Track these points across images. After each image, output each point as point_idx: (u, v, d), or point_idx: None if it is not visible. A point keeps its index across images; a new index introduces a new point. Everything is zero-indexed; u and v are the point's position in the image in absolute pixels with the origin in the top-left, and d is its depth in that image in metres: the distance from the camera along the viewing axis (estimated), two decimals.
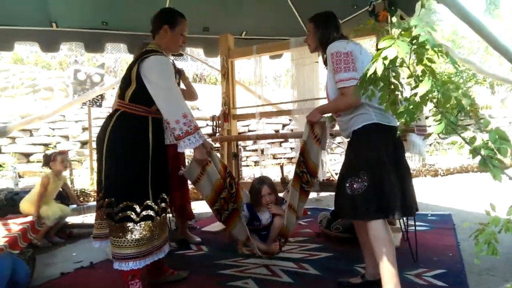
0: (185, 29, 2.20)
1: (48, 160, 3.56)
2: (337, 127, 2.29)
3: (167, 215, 2.23)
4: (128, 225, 1.92)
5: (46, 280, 2.45)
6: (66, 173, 4.23)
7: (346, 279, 2.17)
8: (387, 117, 1.91)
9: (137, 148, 2.00)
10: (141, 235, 1.93)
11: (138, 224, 1.93)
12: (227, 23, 4.07)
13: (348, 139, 2.08)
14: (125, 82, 2.06)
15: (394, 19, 2.85)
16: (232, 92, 3.71)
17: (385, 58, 1.31)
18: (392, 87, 1.61)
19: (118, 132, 2.02)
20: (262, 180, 2.65)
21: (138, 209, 1.94)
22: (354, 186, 1.87)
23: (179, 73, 3.14)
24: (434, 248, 2.73)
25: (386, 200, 1.82)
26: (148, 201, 1.98)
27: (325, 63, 2.13)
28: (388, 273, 1.81)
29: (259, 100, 3.86)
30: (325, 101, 3.64)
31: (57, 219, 3.39)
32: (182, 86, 3.20)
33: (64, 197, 4.08)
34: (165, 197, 2.12)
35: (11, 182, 4.04)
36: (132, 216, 1.92)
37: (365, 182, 1.84)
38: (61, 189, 4.10)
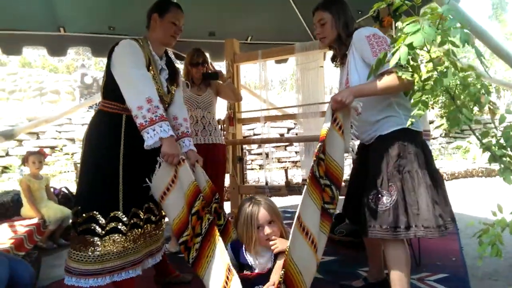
0: (177, 18, 1.95)
1: (23, 161, 3.54)
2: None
3: (158, 224, 2.00)
4: (89, 238, 1.69)
5: (52, 282, 2.48)
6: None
7: (348, 282, 2.17)
8: (417, 121, 1.69)
9: (106, 152, 1.77)
10: (105, 251, 1.69)
11: (102, 239, 1.69)
12: (232, 28, 4.11)
13: (368, 143, 1.86)
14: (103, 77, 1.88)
15: (399, 25, 2.87)
16: None
17: (410, 45, 1.21)
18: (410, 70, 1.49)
19: (90, 134, 1.85)
20: (257, 201, 1.66)
21: (103, 221, 1.70)
22: (383, 200, 1.66)
23: (216, 77, 2.99)
24: (437, 252, 2.73)
25: (418, 217, 1.61)
26: (117, 212, 1.72)
27: (333, 59, 2.01)
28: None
29: (264, 104, 3.88)
30: None
31: (58, 220, 3.40)
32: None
33: (70, 199, 4.13)
34: (152, 207, 1.89)
35: (17, 184, 4.10)
36: (95, 229, 1.69)
37: (394, 196, 1.64)
38: (66, 191, 4.15)
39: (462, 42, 1.16)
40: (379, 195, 1.67)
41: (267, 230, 1.60)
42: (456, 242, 3.00)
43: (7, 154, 7.86)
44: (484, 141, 1.20)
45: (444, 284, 2.15)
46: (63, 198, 4.00)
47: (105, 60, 2.00)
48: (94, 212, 1.70)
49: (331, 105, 1.69)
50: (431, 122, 9.18)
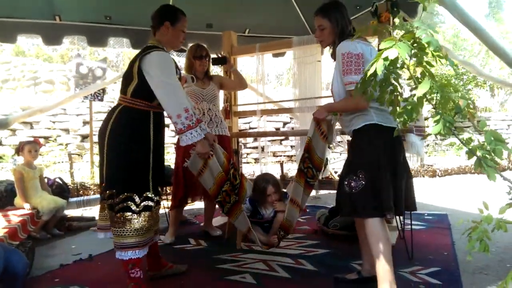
0: (185, 26, 2.23)
1: (17, 150, 3.53)
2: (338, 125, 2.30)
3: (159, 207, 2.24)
4: (128, 215, 1.96)
5: (46, 271, 2.48)
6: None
7: (342, 275, 2.20)
8: (388, 118, 1.92)
9: (139, 141, 2.04)
10: (140, 225, 1.97)
11: (138, 214, 1.97)
12: (230, 20, 4.09)
13: (349, 138, 2.12)
14: (127, 77, 2.09)
15: (397, 21, 2.88)
16: None
17: (385, 59, 1.33)
18: (392, 88, 1.64)
19: (120, 124, 2.04)
20: (267, 179, 2.65)
21: (138, 200, 1.98)
22: (352, 184, 1.91)
23: (224, 61, 3.14)
24: (430, 246, 2.76)
25: (381, 199, 1.85)
26: (148, 193, 2.02)
27: (333, 55, 2.11)
28: (383, 270, 1.83)
29: (261, 98, 3.89)
30: (327, 100, 3.68)
31: (52, 211, 3.38)
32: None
33: (64, 189, 4.12)
34: (159, 189, 2.16)
35: (11, 174, 4.07)
36: (132, 206, 1.96)
37: (362, 181, 1.88)
38: (60, 182, 4.13)
39: (434, 47, 1.29)
40: (350, 180, 1.92)
41: (273, 197, 2.60)
42: (448, 237, 3.04)
43: (0, 144, 7.80)
44: (469, 146, 1.27)
45: (435, 277, 2.18)
46: (57, 188, 3.98)
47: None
48: (131, 192, 1.98)
49: (313, 119, 2.19)
50: (426, 119, 9.23)
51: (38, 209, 3.31)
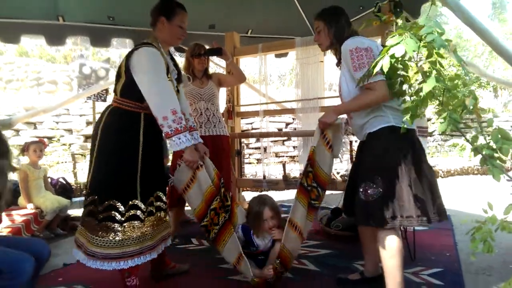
0: (184, 21, 2.07)
1: (22, 150, 3.54)
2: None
3: (167, 211, 2.16)
4: (110, 225, 1.84)
5: (49, 270, 2.49)
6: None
7: (344, 275, 2.20)
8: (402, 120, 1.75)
9: (127, 144, 1.91)
10: (125, 236, 1.84)
11: (122, 225, 1.84)
12: (233, 21, 4.10)
13: (361, 141, 1.99)
14: (117, 75, 2.00)
15: (400, 21, 2.88)
16: (237, 90, 3.74)
17: (392, 56, 1.30)
18: (401, 79, 1.61)
19: (109, 128, 1.95)
20: (263, 201, 2.21)
21: (122, 209, 1.85)
22: (369, 191, 1.77)
23: (219, 52, 2.93)
24: (432, 247, 2.76)
25: (402, 208, 1.71)
26: (135, 201, 1.88)
27: (340, 60, 2.06)
28: (394, 285, 1.75)
29: (263, 98, 3.89)
30: (330, 100, 3.67)
31: (55, 211, 3.39)
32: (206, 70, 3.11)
33: (67, 189, 4.14)
34: (160, 195, 2.05)
35: (14, 174, 4.08)
36: (116, 216, 1.84)
37: (380, 188, 1.75)
38: (63, 181, 4.15)
39: (438, 46, 1.25)
40: (367, 187, 1.79)
41: (270, 223, 2.16)
42: (450, 237, 3.03)
43: None
44: (476, 144, 1.26)
45: (438, 278, 2.18)
46: (60, 188, 4.00)
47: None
48: (114, 200, 1.85)
49: (319, 125, 2.00)
50: (429, 120, 9.22)
51: (42, 209, 3.32)
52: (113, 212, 1.84)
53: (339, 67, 2.09)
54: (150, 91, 1.86)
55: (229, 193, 2.23)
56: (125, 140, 1.91)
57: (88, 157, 7.66)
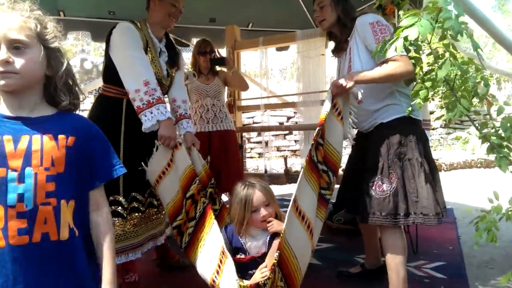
0: (177, 0, 1.92)
1: None
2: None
3: (160, 208, 2.00)
4: None
5: None
6: None
7: (346, 269, 2.20)
8: (416, 110, 1.65)
9: (108, 133, 1.76)
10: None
11: None
12: (233, 14, 4.07)
13: (367, 131, 1.84)
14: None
15: (401, 12, 2.84)
16: None
17: (405, 38, 1.24)
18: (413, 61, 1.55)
19: (91, 118, 1.77)
20: (251, 183, 1.56)
21: None
22: (383, 187, 1.67)
23: (223, 62, 3.01)
24: (435, 241, 2.75)
25: (417, 204, 1.63)
26: (117, 196, 1.74)
27: (334, 51, 2.00)
28: (397, 281, 1.71)
29: (265, 92, 3.87)
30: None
31: None
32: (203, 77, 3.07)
33: None
34: (153, 190, 1.87)
35: None
36: None
37: (394, 184, 1.65)
38: None
39: (455, 33, 1.18)
40: (380, 182, 1.68)
41: (263, 212, 1.51)
42: (453, 231, 3.03)
43: None
44: (484, 131, 1.22)
45: (441, 271, 2.18)
46: None
47: (104, 45, 1.99)
48: None
49: (331, 89, 1.68)
50: (432, 113, 9.17)
51: None
52: None
53: (335, 53, 1.99)
54: (123, 65, 1.72)
55: (218, 196, 2.02)
56: (105, 129, 1.78)
57: None
